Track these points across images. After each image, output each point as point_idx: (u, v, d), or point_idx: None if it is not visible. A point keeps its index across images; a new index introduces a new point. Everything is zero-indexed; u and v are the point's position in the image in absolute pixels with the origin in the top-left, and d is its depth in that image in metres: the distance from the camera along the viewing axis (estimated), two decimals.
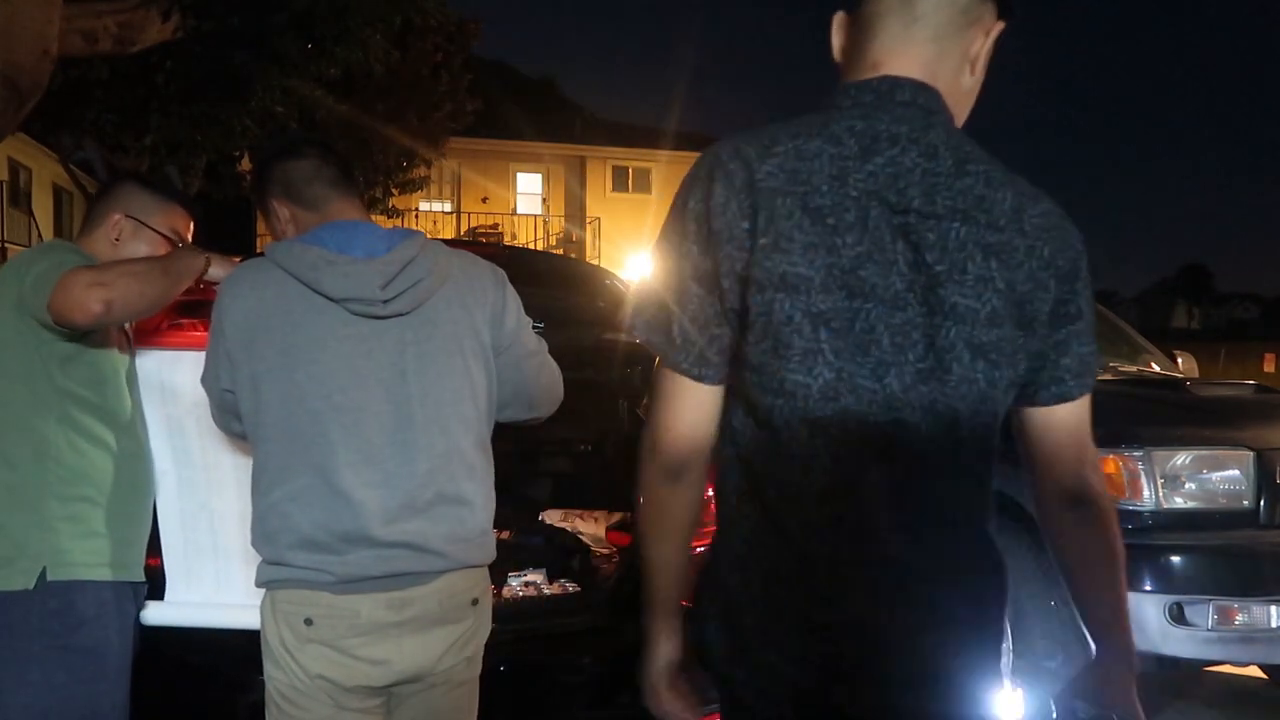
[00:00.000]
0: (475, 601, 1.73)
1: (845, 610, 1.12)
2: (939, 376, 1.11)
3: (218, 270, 1.86)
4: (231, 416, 1.71)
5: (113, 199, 2.00)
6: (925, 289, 1.10)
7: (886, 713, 1.15)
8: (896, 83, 1.16)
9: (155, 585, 2.00)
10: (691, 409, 1.16)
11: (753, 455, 1.15)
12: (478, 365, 1.73)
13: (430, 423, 1.66)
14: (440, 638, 1.68)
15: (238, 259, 1.91)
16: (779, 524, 1.14)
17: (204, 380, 1.73)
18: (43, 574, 1.73)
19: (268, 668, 1.67)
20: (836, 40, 1.25)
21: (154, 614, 1.98)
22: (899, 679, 1.13)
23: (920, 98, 1.15)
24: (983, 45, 1.20)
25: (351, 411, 1.61)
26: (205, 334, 1.73)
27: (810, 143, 1.10)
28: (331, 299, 1.61)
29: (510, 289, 1.82)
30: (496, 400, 1.80)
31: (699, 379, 1.15)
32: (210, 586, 2.03)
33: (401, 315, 1.65)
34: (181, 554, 2.03)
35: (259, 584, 1.67)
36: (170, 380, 2.00)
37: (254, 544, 1.66)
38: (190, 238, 2.07)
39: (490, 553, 1.77)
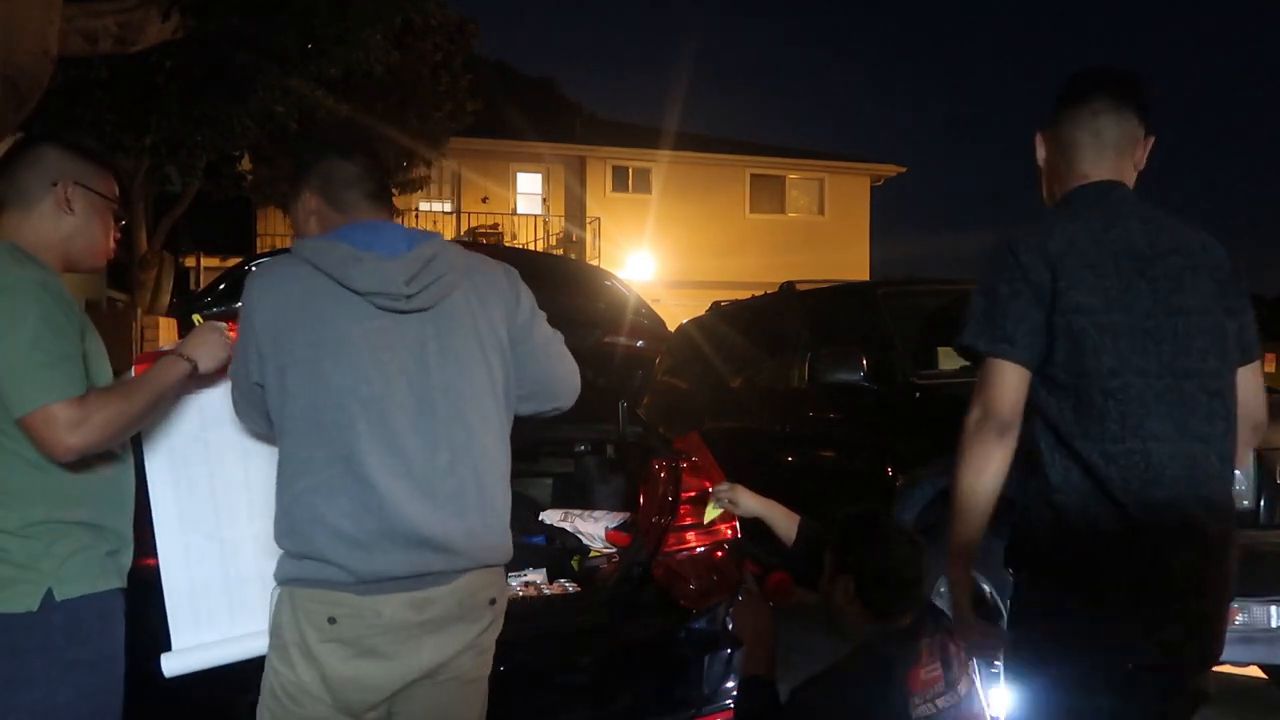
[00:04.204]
0: (493, 601, 1.76)
1: None
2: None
3: (208, 363, 1.81)
4: (257, 412, 1.73)
5: (43, 166, 1.81)
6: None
7: None
8: (1111, 185, 1.79)
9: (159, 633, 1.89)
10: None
11: None
12: (496, 359, 1.77)
13: (451, 415, 1.69)
14: (457, 635, 1.70)
15: (231, 327, 1.83)
16: None
17: (233, 373, 1.75)
18: (48, 594, 1.69)
19: (273, 662, 1.68)
20: (1040, 152, 1.89)
21: (175, 664, 1.89)
22: None
23: (1121, 191, 1.79)
24: (1143, 154, 1.84)
25: (376, 402, 1.64)
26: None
27: (1070, 225, 1.73)
28: (358, 293, 1.65)
29: (523, 284, 1.87)
30: (519, 393, 1.83)
31: None
32: (224, 622, 1.94)
33: (424, 310, 1.69)
34: (188, 594, 1.93)
35: (279, 580, 1.67)
36: (173, 410, 1.92)
37: (277, 538, 1.67)
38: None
39: (507, 552, 1.80)
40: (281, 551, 1.68)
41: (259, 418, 1.73)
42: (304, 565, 1.63)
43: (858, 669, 1.86)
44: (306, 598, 1.64)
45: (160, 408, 1.81)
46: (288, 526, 1.65)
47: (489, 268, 1.83)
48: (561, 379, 1.91)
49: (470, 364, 1.72)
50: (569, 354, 1.93)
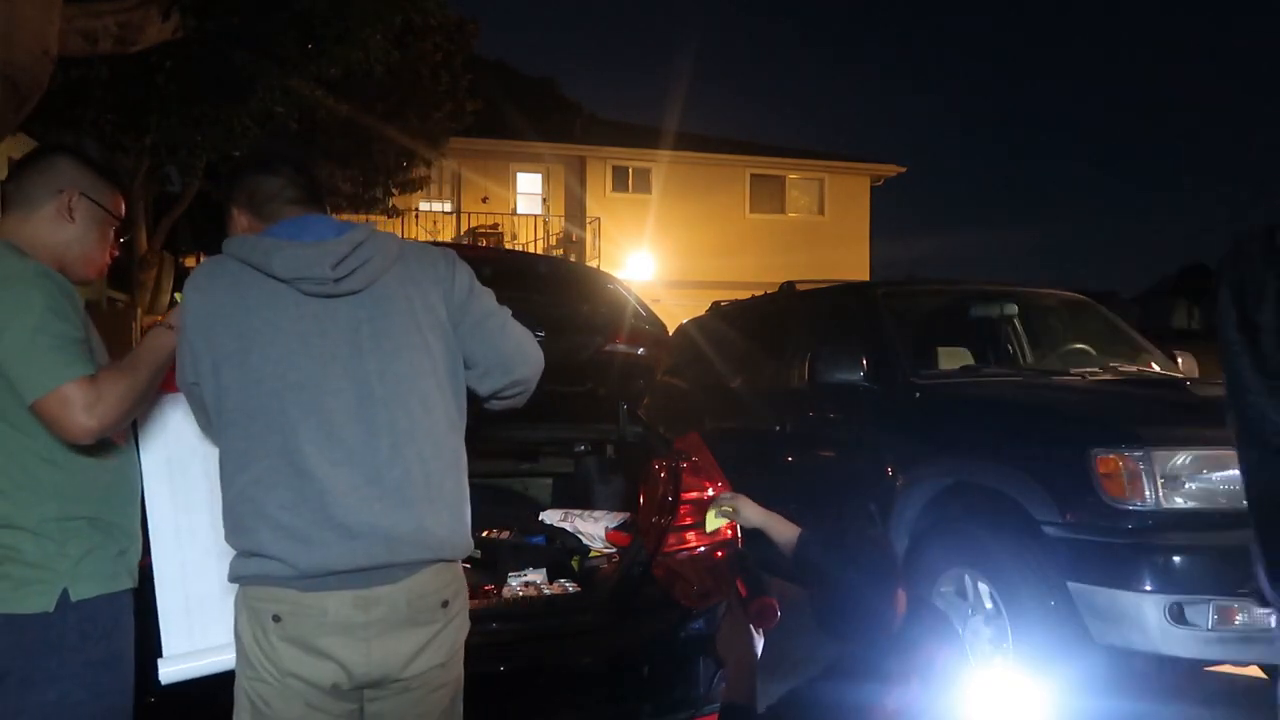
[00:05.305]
0: (445, 604, 1.69)
1: None
2: None
3: None
4: (203, 412, 1.71)
5: (53, 174, 1.85)
6: None
7: None
8: None
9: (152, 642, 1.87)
10: None
11: None
12: (437, 341, 1.73)
13: (391, 398, 1.66)
14: (409, 640, 1.65)
15: None
16: None
17: (176, 377, 1.74)
18: (64, 594, 1.69)
19: (241, 668, 1.66)
20: None
21: (174, 670, 1.87)
22: None
23: None
24: None
25: (309, 389, 1.61)
26: None
27: None
28: (283, 280, 1.63)
29: (461, 263, 1.83)
30: (475, 372, 1.80)
31: None
32: (221, 632, 1.85)
33: (354, 293, 1.67)
34: (184, 608, 1.90)
35: (230, 579, 1.65)
36: (171, 422, 1.92)
37: (226, 536, 1.65)
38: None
39: (462, 547, 1.74)
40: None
41: (205, 418, 1.72)
42: (249, 562, 1.61)
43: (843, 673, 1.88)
44: (254, 595, 1.61)
45: (159, 379, 1.80)
46: (233, 523, 1.63)
47: (425, 252, 1.80)
48: (513, 351, 1.84)
49: (408, 347, 1.69)
50: (519, 326, 1.87)
